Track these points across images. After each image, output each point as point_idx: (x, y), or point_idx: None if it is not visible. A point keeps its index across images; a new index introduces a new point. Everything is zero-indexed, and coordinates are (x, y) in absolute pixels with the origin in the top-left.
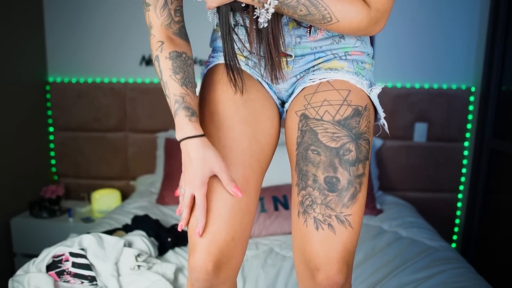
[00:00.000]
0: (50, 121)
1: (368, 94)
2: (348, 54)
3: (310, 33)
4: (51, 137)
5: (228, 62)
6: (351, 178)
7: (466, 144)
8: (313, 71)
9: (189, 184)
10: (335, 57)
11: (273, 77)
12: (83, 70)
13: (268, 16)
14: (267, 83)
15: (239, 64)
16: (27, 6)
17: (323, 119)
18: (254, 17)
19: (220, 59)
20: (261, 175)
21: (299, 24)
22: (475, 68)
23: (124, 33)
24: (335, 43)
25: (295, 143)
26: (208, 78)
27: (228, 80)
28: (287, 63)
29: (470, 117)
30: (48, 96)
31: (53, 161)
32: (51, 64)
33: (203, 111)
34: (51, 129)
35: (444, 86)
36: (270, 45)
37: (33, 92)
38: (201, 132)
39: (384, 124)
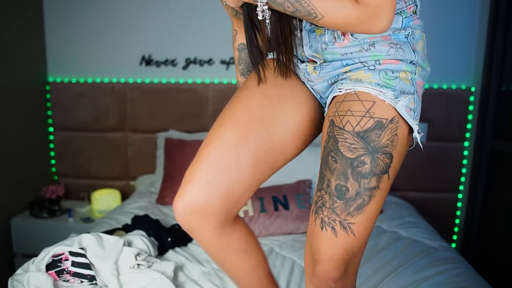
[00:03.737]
0: (50, 121)
1: (394, 106)
2: (378, 63)
3: (335, 39)
4: (51, 137)
5: (250, 55)
6: (360, 190)
7: (466, 144)
8: (342, 79)
9: None
10: (364, 66)
11: (279, 71)
12: (83, 70)
13: (265, 13)
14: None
15: (260, 58)
16: (27, 6)
17: (344, 128)
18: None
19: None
20: (269, 144)
21: (326, 30)
22: (475, 68)
23: (124, 33)
24: (364, 51)
25: (323, 146)
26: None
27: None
28: (314, 69)
29: (470, 117)
30: (48, 96)
31: (53, 161)
32: (51, 64)
33: (235, 94)
34: (51, 129)
35: (444, 86)
36: (279, 41)
37: (33, 92)
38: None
39: (416, 138)
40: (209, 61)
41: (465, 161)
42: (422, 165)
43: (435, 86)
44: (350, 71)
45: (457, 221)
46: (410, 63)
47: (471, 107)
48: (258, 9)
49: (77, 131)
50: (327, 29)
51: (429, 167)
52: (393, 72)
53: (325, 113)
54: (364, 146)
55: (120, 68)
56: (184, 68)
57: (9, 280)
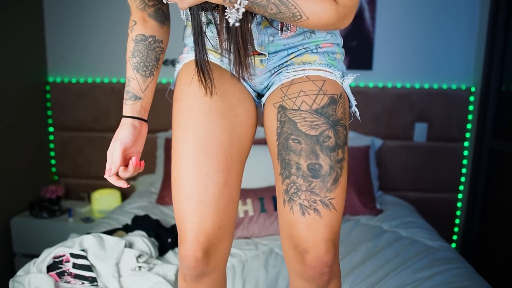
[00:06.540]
0: (50, 121)
1: (341, 84)
2: (319, 47)
3: (282, 30)
4: (51, 137)
5: (198, 63)
6: (332, 164)
7: (466, 144)
8: (287, 66)
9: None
10: (306, 51)
11: (241, 75)
12: (83, 70)
13: (239, 15)
14: None
15: (209, 66)
16: (27, 6)
17: (300, 108)
18: (225, 17)
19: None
20: (242, 165)
21: (271, 23)
22: (475, 68)
23: (124, 33)
24: (307, 38)
25: (275, 133)
26: (184, 73)
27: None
28: (261, 62)
29: (470, 117)
30: (48, 96)
31: (53, 161)
32: (51, 64)
33: (181, 105)
34: (51, 129)
35: (444, 86)
36: (239, 43)
37: (33, 92)
38: (129, 114)
39: (355, 112)
40: None
41: (465, 161)
42: (422, 165)
43: (435, 86)
44: (295, 57)
45: (457, 221)
46: (338, 46)
47: (471, 107)
48: (232, 10)
49: (77, 131)
50: (272, 21)
51: (429, 167)
52: (332, 54)
53: (261, 103)
54: (326, 121)
55: (120, 68)
56: None
57: (10, 282)
